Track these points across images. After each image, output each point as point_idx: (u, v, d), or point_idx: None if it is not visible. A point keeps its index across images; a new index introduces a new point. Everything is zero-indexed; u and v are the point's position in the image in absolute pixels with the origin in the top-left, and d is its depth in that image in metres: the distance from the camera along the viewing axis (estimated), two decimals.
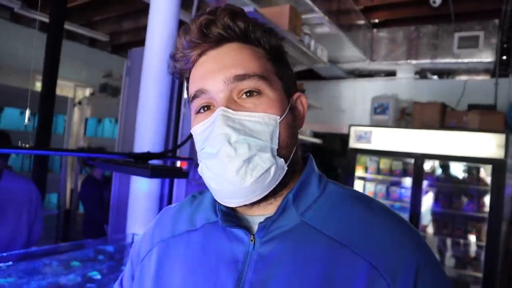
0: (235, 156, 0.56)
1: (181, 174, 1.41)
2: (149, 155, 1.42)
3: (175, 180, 2.41)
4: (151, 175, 1.27)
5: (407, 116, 4.31)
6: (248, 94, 0.59)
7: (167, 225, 0.74)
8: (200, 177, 0.67)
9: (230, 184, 0.57)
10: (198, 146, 0.62)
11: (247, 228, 0.62)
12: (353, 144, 4.22)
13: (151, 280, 0.69)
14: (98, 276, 1.82)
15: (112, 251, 2.19)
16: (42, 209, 2.55)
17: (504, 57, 3.74)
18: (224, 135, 0.56)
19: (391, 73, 4.58)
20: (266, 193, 0.59)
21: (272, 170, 0.57)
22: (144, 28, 4.91)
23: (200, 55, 0.63)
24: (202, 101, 0.62)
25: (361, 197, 0.66)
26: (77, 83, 5.59)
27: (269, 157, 0.57)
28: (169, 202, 2.43)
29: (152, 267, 0.70)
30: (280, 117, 0.60)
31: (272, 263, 0.59)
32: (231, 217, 0.64)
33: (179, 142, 2.41)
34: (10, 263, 1.69)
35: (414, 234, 0.61)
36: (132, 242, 2.24)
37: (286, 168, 0.60)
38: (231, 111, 0.58)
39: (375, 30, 4.21)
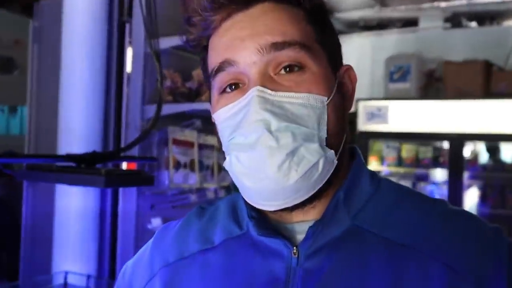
0: (277, 148, 0.64)
1: (145, 179, 1.46)
2: (97, 156, 1.46)
3: (120, 191, 2.45)
4: (106, 184, 1.30)
5: (436, 81, 4.48)
6: (287, 69, 0.68)
7: (171, 245, 0.82)
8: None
9: (270, 182, 0.65)
10: (225, 136, 0.71)
11: (286, 239, 0.71)
12: (362, 125, 4.37)
13: None
14: None
15: None
16: None
17: None
18: (263, 122, 0.64)
19: (412, 22, 4.74)
20: (313, 192, 0.68)
21: (321, 164, 0.66)
22: None
23: (224, 19, 0.71)
24: (229, 76, 0.70)
25: (422, 195, 0.79)
26: None
27: (317, 148, 0.66)
28: (113, 223, 2.47)
29: None
30: (328, 98, 0.69)
31: (324, 280, 0.68)
32: (267, 225, 0.73)
33: (123, 134, 2.45)
34: None
35: (498, 233, 0.71)
36: (65, 284, 2.29)
37: (336, 162, 0.69)
38: (269, 91, 0.66)
39: None
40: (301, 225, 0.72)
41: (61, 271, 2.32)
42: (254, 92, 0.66)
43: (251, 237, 0.75)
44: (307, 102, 0.67)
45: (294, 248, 0.70)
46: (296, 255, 0.70)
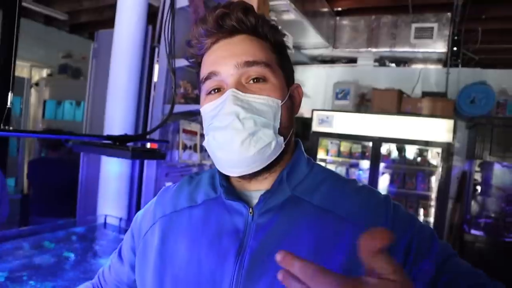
0: (243, 129, 0.64)
1: (159, 155, 1.48)
2: (127, 137, 1.47)
3: (145, 162, 2.45)
4: (132, 157, 1.32)
5: (366, 101, 4.51)
6: (255, 80, 0.68)
7: (168, 202, 0.81)
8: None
9: (235, 154, 0.65)
10: (206, 123, 0.71)
11: (245, 202, 0.71)
12: (315, 127, 4.35)
13: (156, 251, 0.75)
14: (73, 256, 1.87)
15: (84, 232, 2.23)
16: (7, 191, 2.52)
17: (455, 48, 4.03)
18: (234, 112, 0.64)
19: (353, 60, 4.77)
20: (265, 165, 0.67)
21: (273, 144, 0.66)
22: (105, 8, 4.76)
23: (213, 43, 0.71)
24: (213, 83, 0.69)
25: (341, 176, 0.78)
26: (33, 63, 5.35)
27: (271, 133, 0.66)
28: (140, 184, 2.48)
29: (155, 240, 0.77)
30: (282, 101, 0.69)
31: (269, 231, 0.67)
32: (232, 192, 0.73)
33: (149, 123, 2.45)
34: None
35: (387, 200, 0.72)
36: (105, 223, 2.29)
37: (283, 146, 0.69)
38: (240, 92, 0.66)
39: (338, 18, 4.35)
40: (256, 193, 0.71)
41: (103, 214, 2.34)
42: (229, 92, 0.66)
43: (222, 199, 0.73)
44: (266, 102, 0.67)
45: (251, 209, 0.70)
46: (252, 214, 0.69)
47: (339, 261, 0.63)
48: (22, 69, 5.32)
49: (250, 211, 0.69)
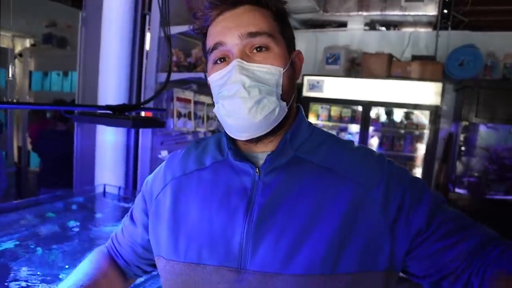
0: (249, 98, 0.68)
1: (158, 123, 1.49)
2: (125, 107, 1.47)
3: (140, 131, 2.46)
4: (133, 126, 1.34)
5: (356, 66, 4.50)
6: (258, 49, 0.71)
7: (177, 166, 0.84)
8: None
9: (243, 120, 0.69)
10: (215, 91, 0.74)
11: (252, 163, 0.75)
12: (306, 93, 4.36)
13: (169, 211, 0.79)
14: (76, 224, 1.91)
15: (83, 202, 2.26)
16: (4, 163, 2.52)
17: (445, 11, 4.01)
18: (240, 81, 0.68)
19: (343, 24, 4.72)
20: (270, 129, 0.71)
21: (277, 110, 0.70)
22: None
23: (218, 15, 0.73)
24: (219, 52, 0.72)
25: (338, 137, 0.82)
26: (15, 33, 5.16)
27: (275, 100, 0.70)
28: (136, 152, 2.50)
29: (167, 201, 0.81)
30: (283, 69, 0.72)
31: (275, 189, 0.72)
32: (240, 154, 0.77)
33: (142, 93, 2.44)
34: None
35: (382, 157, 0.77)
36: (104, 192, 2.33)
37: (286, 110, 0.73)
38: (245, 62, 0.69)
39: None
40: (262, 154, 0.76)
41: (101, 183, 2.36)
42: (235, 62, 0.69)
43: (229, 161, 0.77)
44: (269, 70, 0.70)
45: (257, 169, 0.74)
46: (258, 173, 0.73)
47: (338, 215, 0.68)
48: (2, 39, 5.13)
49: (257, 171, 0.73)
